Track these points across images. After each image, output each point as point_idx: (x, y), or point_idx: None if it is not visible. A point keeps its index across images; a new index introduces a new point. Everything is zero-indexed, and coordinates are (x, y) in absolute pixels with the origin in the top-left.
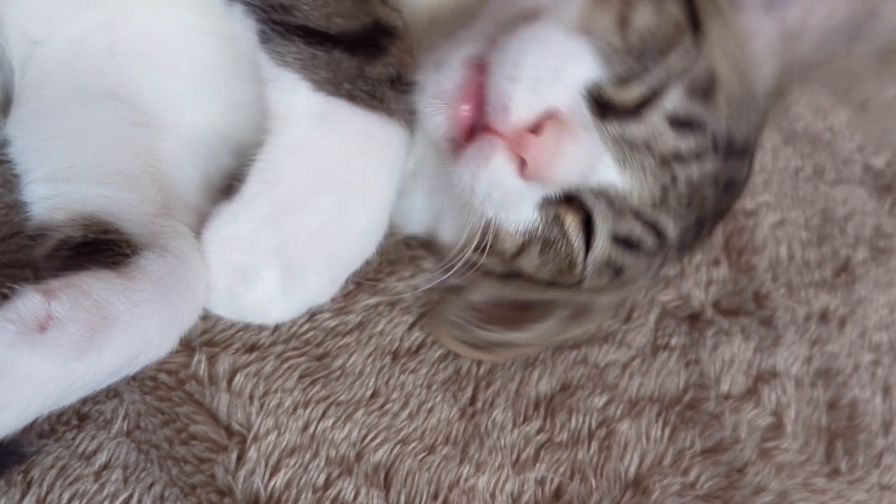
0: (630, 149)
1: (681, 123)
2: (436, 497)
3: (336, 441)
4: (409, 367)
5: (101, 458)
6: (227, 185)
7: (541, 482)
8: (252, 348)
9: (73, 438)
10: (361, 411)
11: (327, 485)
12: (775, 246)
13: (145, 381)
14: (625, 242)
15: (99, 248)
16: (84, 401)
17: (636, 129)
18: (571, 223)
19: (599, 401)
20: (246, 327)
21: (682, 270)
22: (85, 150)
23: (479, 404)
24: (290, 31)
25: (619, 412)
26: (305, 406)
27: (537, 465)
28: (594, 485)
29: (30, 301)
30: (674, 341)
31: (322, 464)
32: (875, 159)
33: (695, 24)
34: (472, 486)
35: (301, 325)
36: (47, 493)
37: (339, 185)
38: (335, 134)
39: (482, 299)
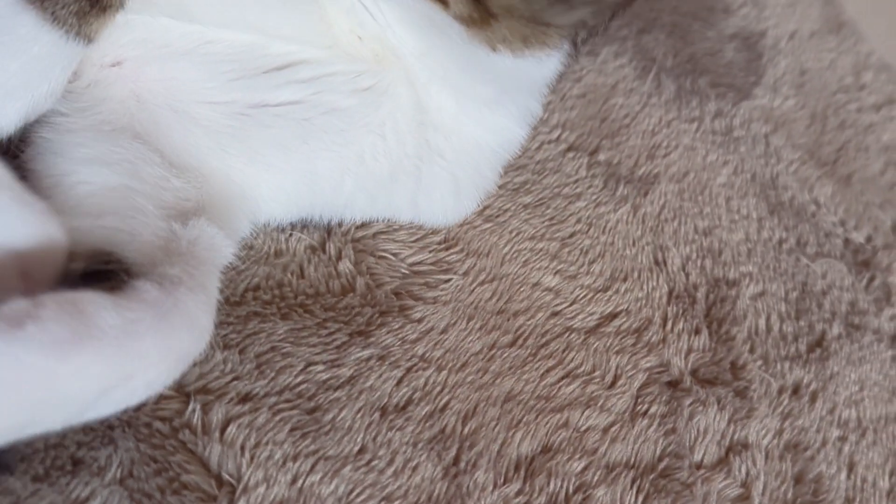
0: None
1: None
2: None
3: (323, 496)
4: (397, 423)
5: None
6: None
7: None
8: (246, 398)
9: (67, 484)
10: (349, 467)
11: None
12: (755, 317)
13: (140, 429)
14: None
15: (98, 276)
16: (79, 445)
17: None
18: None
19: (578, 465)
20: (241, 375)
21: (665, 337)
22: (98, 181)
23: (462, 464)
24: None
25: (596, 478)
26: (295, 459)
27: None
28: None
29: (14, 302)
30: (653, 409)
31: None
32: (856, 234)
33: None
34: None
35: (295, 377)
36: None
37: None
38: None
39: None
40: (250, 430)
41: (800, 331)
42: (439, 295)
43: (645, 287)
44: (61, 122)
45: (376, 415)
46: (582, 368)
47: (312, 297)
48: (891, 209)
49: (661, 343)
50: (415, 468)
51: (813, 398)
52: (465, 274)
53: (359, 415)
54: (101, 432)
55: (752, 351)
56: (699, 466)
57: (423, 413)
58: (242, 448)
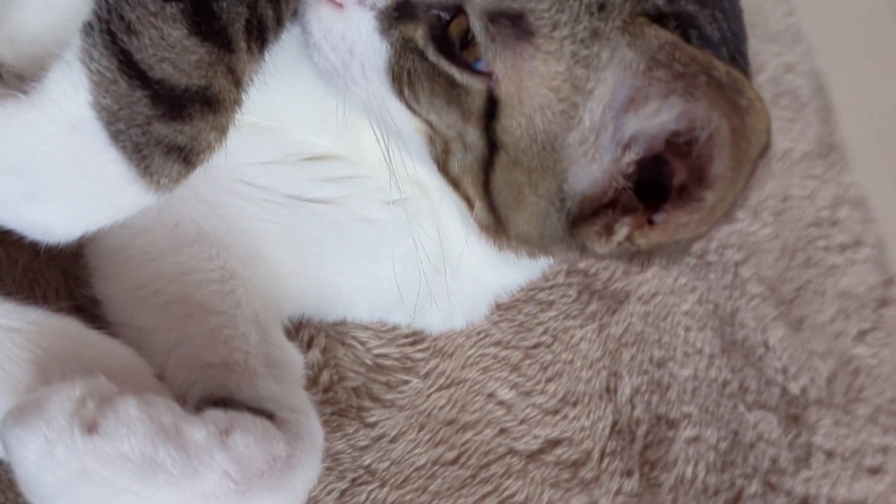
0: None
1: None
2: None
3: None
4: None
5: None
6: None
7: None
8: None
9: None
10: None
11: None
12: (684, 464)
13: None
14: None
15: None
16: None
17: None
18: (421, 35)
19: None
20: None
21: (599, 475)
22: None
23: None
24: (112, 45)
25: None
26: None
27: None
28: None
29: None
30: None
31: None
32: (793, 384)
33: None
34: None
35: None
36: None
37: (39, 182)
38: (70, 149)
39: None
40: None
41: (721, 485)
42: (397, 398)
43: (592, 416)
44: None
45: None
46: (516, 498)
47: None
48: (831, 360)
49: (594, 481)
50: None
51: None
52: (426, 376)
53: None
54: None
55: (674, 501)
56: None
57: None
58: None
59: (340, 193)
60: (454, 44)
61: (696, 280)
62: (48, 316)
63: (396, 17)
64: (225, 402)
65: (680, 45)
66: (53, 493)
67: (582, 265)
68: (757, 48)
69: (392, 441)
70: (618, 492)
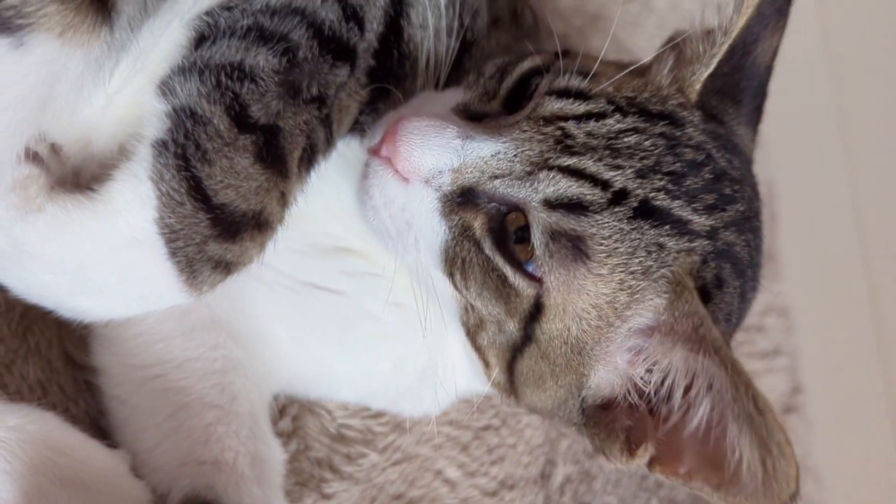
0: (503, 126)
1: (561, 94)
2: None
3: None
4: None
5: None
6: None
7: None
8: None
9: None
10: None
11: None
12: None
13: None
14: (562, 205)
15: None
16: None
17: (509, 119)
18: (479, 226)
19: None
20: None
21: None
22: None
23: None
24: (185, 171)
25: None
26: None
27: None
28: None
29: None
30: None
31: None
32: None
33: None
34: None
35: None
36: None
37: (90, 282)
38: (128, 259)
39: None
40: None
41: None
42: (355, 471)
43: (525, 500)
44: None
45: None
46: None
47: None
48: None
49: None
50: None
51: None
52: (383, 450)
53: None
54: None
55: None
56: None
57: None
58: None
59: (353, 287)
60: (510, 236)
61: None
62: (29, 418)
63: (459, 202)
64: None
65: (707, 323)
66: None
67: None
68: None
69: None
70: None
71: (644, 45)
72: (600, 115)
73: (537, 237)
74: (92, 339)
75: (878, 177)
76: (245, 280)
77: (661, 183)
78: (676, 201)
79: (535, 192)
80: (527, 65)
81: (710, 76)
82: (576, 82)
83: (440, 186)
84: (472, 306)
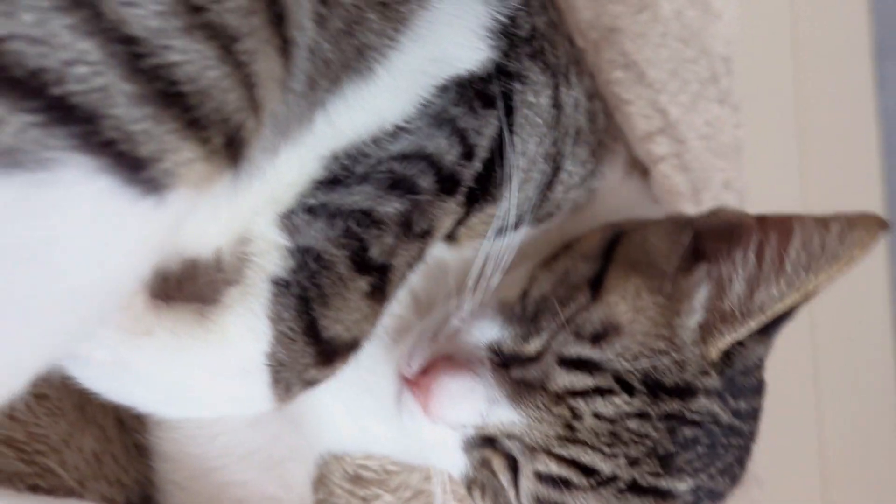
0: (526, 389)
1: (571, 364)
2: None
3: None
4: None
5: None
6: None
7: None
8: None
9: None
10: None
11: None
12: None
13: None
14: (550, 480)
15: None
16: None
17: (534, 371)
18: (497, 464)
19: None
20: None
21: None
22: None
23: None
24: (304, 313)
25: None
26: None
27: None
28: None
29: None
30: None
31: None
32: None
33: (598, 285)
34: None
35: None
36: None
37: (186, 397)
38: (232, 384)
39: None
40: None
41: None
42: None
43: None
44: None
45: None
46: None
47: None
48: None
49: None
50: None
51: None
52: (395, 490)
53: None
54: None
55: None
56: None
57: None
58: None
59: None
60: None
61: None
62: None
63: (480, 443)
64: None
65: None
66: None
67: None
68: (708, 163)
69: None
70: None
71: (650, 56)
72: (608, 392)
73: (524, 496)
74: (152, 423)
75: None
76: None
77: (652, 467)
78: (663, 480)
79: (530, 463)
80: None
81: None
82: (586, 350)
83: (463, 430)
84: None
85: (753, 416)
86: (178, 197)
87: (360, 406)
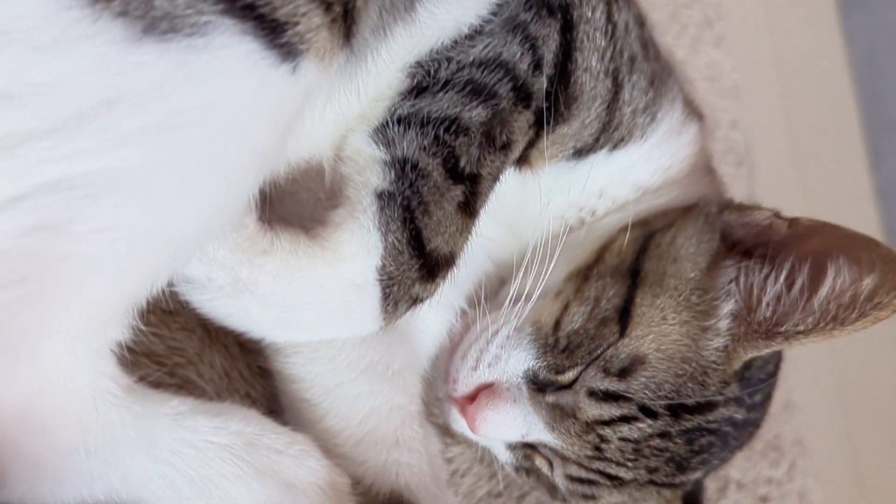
0: (560, 415)
1: (600, 396)
2: None
3: None
4: None
5: None
6: None
7: None
8: None
9: None
10: None
11: None
12: None
13: None
14: (579, 480)
15: None
16: None
17: (567, 398)
18: (539, 461)
19: None
20: None
21: None
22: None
23: None
24: (410, 222)
25: None
26: None
27: None
28: None
29: None
30: None
31: None
32: None
33: (626, 316)
34: None
35: None
36: None
37: (296, 317)
38: (344, 302)
39: None
40: None
41: None
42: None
43: None
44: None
45: None
46: None
47: None
48: None
49: None
50: None
51: None
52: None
53: None
54: None
55: None
56: None
57: None
58: None
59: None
60: None
61: None
62: (246, 420)
63: (522, 446)
64: None
65: None
66: None
67: None
68: (715, 104)
69: (462, 476)
70: None
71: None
72: (633, 419)
73: (560, 484)
74: (270, 350)
75: None
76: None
77: (669, 472)
78: (678, 478)
79: (562, 468)
80: None
81: None
82: (614, 384)
83: (504, 441)
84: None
85: (768, 398)
86: (308, 68)
87: (456, 305)
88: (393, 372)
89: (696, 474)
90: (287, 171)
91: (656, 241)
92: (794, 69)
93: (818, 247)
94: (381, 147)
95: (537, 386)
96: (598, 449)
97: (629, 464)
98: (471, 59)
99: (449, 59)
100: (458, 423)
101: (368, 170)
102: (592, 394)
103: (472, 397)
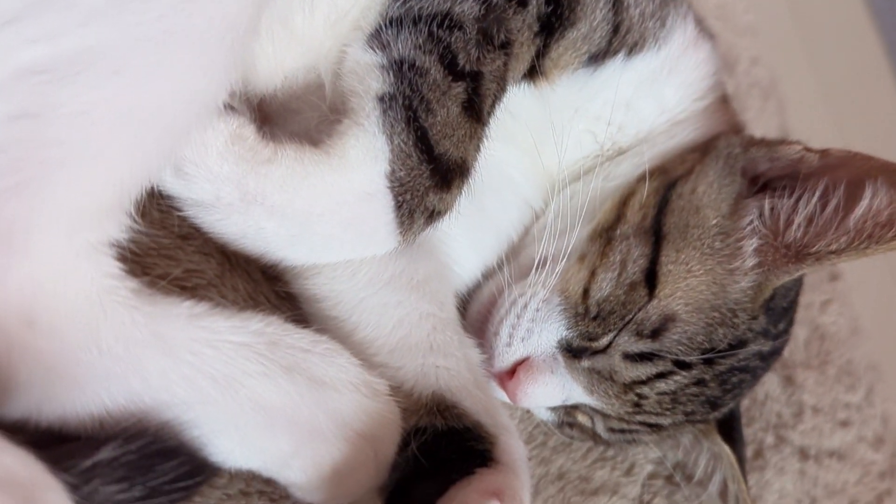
0: (598, 379)
1: (635, 358)
2: None
3: None
4: None
5: None
6: None
7: None
8: None
9: None
10: None
11: None
12: None
13: None
14: (621, 431)
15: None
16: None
17: (603, 363)
18: (581, 417)
19: None
20: None
21: None
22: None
23: None
24: (414, 122)
25: None
26: None
27: None
28: None
29: None
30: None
31: None
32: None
33: (653, 277)
34: None
35: None
36: None
37: (309, 230)
38: (355, 211)
39: None
40: None
41: (747, 437)
42: None
43: None
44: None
45: None
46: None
47: None
48: (804, 327)
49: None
50: None
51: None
52: None
53: None
54: None
55: None
56: None
57: None
58: None
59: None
60: None
61: None
62: (265, 322)
63: (563, 406)
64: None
65: None
66: None
67: None
68: (731, 42)
69: None
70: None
71: None
72: (669, 374)
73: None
74: (291, 275)
75: None
76: None
77: (704, 411)
78: (712, 415)
79: (604, 422)
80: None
81: None
82: (648, 345)
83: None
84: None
85: (790, 323)
86: None
87: (484, 243)
88: (418, 281)
89: (728, 407)
90: (286, 86)
91: (677, 192)
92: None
93: (851, 175)
94: (378, 51)
95: (572, 353)
96: (637, 405)
97: (667, 413)
98: None
99: None
100: (499, 394)
101: (368, 76)
102: (627, 356)
103: (511, 372)
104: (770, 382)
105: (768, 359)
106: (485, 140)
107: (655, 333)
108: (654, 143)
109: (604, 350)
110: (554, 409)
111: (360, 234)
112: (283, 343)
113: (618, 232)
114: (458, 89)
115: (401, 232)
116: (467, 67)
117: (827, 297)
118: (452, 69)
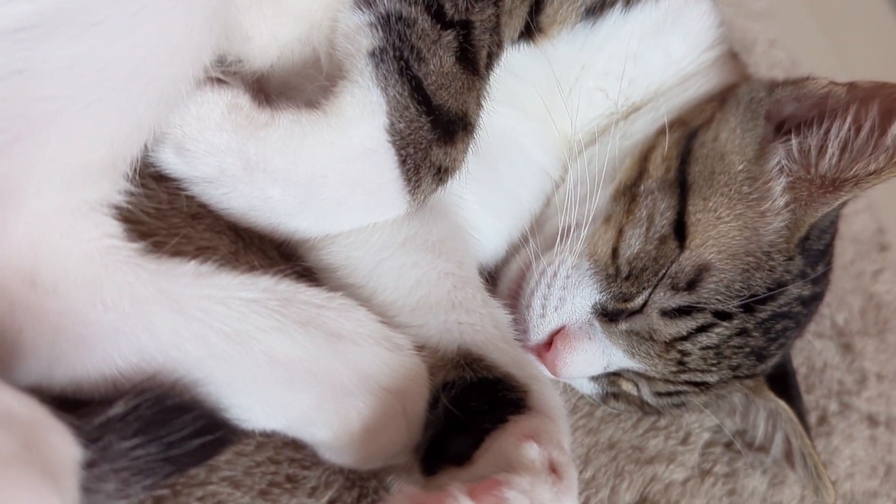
0: (638, 340)
1: (673, 314)
2: None
3: None
4: None
5: None
6: None
7: None
8: None
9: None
10: None
11: None
12: None
13: None
14: (668, 394)
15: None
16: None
17: (641, 323)
18: (625, 385)
19: None
20: None
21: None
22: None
23: None
24: (407, 71)
25: None
26: None
27: None
28: None
29: None
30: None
31: None
32: (838, 316)
33: (682, 228)
34: None
35: None
36: None
37: (315, 195)
38: (359, 169)
39: None
40: None
41: (809, 405)
42: None
43: None
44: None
45: None
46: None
47: None
48: (858, 296)
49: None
50: None
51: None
52: None
53: None
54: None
55: None
56: None
57: None
58: None
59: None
60: None
61: None
62: (275, 281)
63: (606, 375)
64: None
65: None
66: None
67: None
68: (745, 26)
69: None
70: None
71: None
72: (710, 326)
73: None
74: (305, 249)
75: None
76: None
77: (750, 364)
78: (758, 368)
79: (648, 386)
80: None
81: None
82: (685, 298)
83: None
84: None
85: (828, 269)
86: None
87: (501, 210)
88: (433, 242)
89: (776, 359)
90: (283, 61)
91: (699, 141)
92: None
93: (881, 103)
94: (365, 10)
95: (608, 317)
96: (681, 363)
97: (713, 368)
98: None
99: None
100: (540, 368)
101: (358, 35)
102: (665, 313)
103: (548, 343)
104: (827, 350)
105: (810, 304)
106: (486, 95)
107: (691, 285)
108: (668, 96)
109: (640, 310)
110: (596, 379)
111: (366, 194)
112: (296, 299)
113: (641, 188)
114: (449, 37)
115: (409, 190)
116: (456, 17)
117: (879, 267)
118: (440, 18)
